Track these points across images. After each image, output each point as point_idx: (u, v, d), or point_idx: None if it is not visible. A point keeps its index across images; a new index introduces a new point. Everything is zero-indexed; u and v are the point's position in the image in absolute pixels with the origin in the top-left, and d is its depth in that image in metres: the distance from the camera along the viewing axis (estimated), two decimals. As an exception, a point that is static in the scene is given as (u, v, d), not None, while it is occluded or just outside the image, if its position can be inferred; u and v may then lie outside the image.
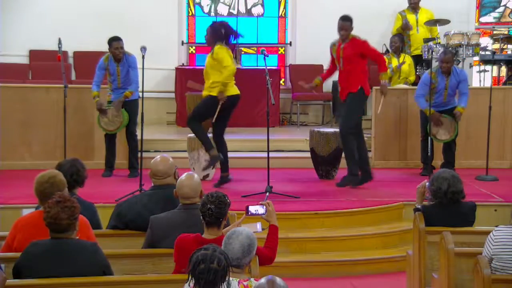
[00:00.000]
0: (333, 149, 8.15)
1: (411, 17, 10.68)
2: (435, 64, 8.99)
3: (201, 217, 4.06)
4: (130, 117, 8.33)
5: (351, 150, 7.67)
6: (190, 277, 3.22)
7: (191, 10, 11.99)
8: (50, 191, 4.30)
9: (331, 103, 11.35)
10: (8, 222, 5.35)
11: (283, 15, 12.06)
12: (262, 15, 12.11)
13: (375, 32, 11.51)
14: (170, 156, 5.12)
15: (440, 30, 10.50)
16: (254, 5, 12.12)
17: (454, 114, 8.25)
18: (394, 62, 9.97)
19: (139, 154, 7.99)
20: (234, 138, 8.19)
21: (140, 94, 8.16)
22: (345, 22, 7.78)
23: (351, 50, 7.73)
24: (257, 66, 11.76)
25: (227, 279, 3.24)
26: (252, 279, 3.53)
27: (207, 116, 7.65)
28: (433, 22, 10.48)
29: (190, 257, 3.26)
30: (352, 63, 7.72)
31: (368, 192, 7.64)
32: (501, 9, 12.30)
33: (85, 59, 11.11)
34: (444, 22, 10.52)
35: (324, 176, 8.29)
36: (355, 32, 11.51)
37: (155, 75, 11.06)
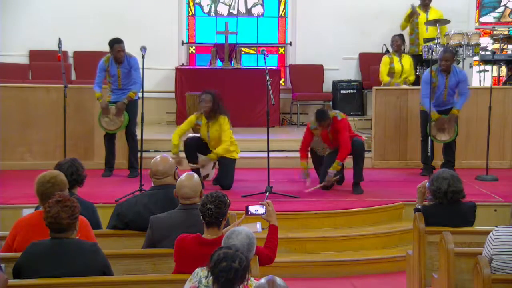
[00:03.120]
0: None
1: (421, 16, 10.65)
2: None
3: (201, 217, 4.06)
4: (130, 117, 8.33)
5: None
6: (209, 274, 3.22)
7: (191, 10, 11.99)
8: (51, 191, 4.30)
9: (331, 103, 11.35)
10: (8, 222, 5.36)
11: (283, 15, 12.06)
12: (262, 15, 12.11)
13: (375, 32, 11.54)
14: (170, 156, 5.12)
15: (439, 30, 10.49)
16: (254, 5, 12.12)
17: (449, 119, 8.23)
18: (396, 61, 9.95)
19: (139, 154, 7.99)
20: (234, 138, 8.18)
21: (140, 94, 8.15)
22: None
23: (336, 131, 7.61)
24: (257, 66, 11.77)
25: (245, 281, 3.24)
26: (252, 279, 3.53)
27: None
28: (433, 22, 10.48)
29: (211, 255, 3.25)
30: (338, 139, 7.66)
31: (368, 192, 7.64)
32: (501, 9, 12.30)
33: (85, 59, 11.11)
34: (444, 22, 10.51)
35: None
36: (355, 32, 11.64)
37: (155, 75, 11.06)
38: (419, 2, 10.73)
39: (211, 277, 3.22)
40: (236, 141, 7.89)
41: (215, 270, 3.19)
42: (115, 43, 8.23)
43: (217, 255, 3.22)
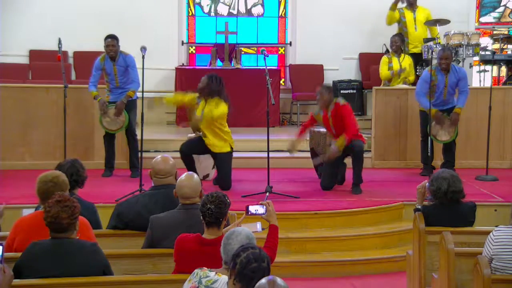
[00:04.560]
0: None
1: (408, 15, 10.69)
2: (434, 62, 8.99)
3: (201, 217, 4.06)
4: (130, 117, 8.33)
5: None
6: (235, 276, 3.18)
7: (191, 10, 11.99)
8: (53, 190, 4.30)
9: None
10: (8, 222, 5.34)
11: (283, 15, 12.06)
12: (262, 15, 12.11)
13: (375, 32, 11.54)
14: (171, 156, 5.12)
15: (440, 30, 10.50)
16: (254, 5, 12.12)
17: (451, 117, 8.25)
18: (395, 61, 9.97)
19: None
20: (234, 138, 8.19)
21: (140, 94, 8.14)
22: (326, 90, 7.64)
23: (338, 118, 7.58)
24: (257, 66, 11.76)
25: None
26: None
27: None
28: (433, 22, 10.49)
29: (235, 255, 3.21)
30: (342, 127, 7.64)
31: (368, 192, 7.64)
32: (501, 9, 12.30)
33: (85, 59, 11.08)
34: (444, 22, 10.52)
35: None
36: (355, 32, 11.65)
37: (155, 75, 11.06)
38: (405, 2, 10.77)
39: (234, 279, 3.18)
40: (230, 133, 7.84)
41: (244, 271, 3.15)
42: (107, 38, 8.30)
43: (245, 256, 3.18)
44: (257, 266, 3.16)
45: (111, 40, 8.27)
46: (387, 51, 10.76)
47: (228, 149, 7.74)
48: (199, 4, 12.05)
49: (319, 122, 7.79)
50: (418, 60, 10.45)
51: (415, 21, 10.64)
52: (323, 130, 8.04)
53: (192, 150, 7.75)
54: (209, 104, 7.64)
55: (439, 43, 10.16)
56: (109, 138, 8.46)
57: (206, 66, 11.48)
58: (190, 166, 7.63)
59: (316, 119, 7.78)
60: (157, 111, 11.13)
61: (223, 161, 7.70)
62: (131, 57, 8.29)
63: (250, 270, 3.15)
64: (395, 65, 9.95)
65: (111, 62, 8.30)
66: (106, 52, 8.29)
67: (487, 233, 4.45)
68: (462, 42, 10.05)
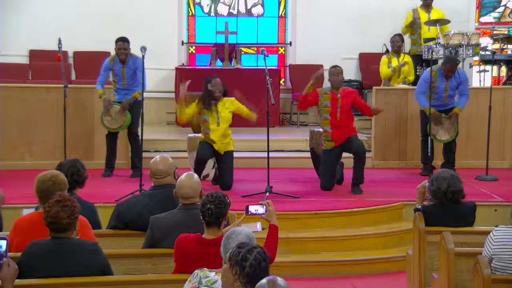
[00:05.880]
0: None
1: (423, 16, 10.67)
2: (436, 62, 9.01)
3: (201, 217, 4.06)
4: (133, 118, 8.32)
5: None
6: (246, 278, 3.13)
7: (191, 10, 12.00)
8: (52, 189, 4.29)
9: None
10: (8, 222, 5.34)
11: (283, 15, 12.06)
12: (262, 15, 12.11)
13: (375, 32, 11.54)
14: (169, 156, 5.12)
15: (439, 30, 10.49)
16: (254, 5, 12.12)
17: (450, 116, 8.25)
18: (394, 61, 9.98)
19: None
20: (234, 138, 8.19)
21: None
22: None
23: (348, 100, 7.66)
24: (257, 66, 11.77)
25: None
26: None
27: None
28: (433, 22, 10.48)
29: (242, 259, 3.16)
30: (349, 115, 7.70)
31: (368, 192, 7.64)
32: (501, 9, 12.30)
33: (85, 59, 11.11)
34: (444, 22, 10.52)
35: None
36: (355, 32, 11.65)
37: (155, 75, 11.06)
38: (420, 3, 10.75)
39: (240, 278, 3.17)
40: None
41: (256, 272, 3.13)
42: (119, 40, 8.29)
43: (254, 258, 3.15)
44: (265, 264, 3.16)
45: (123, 43, 8.24)
46: (387, 51, 10.76)
47: (232, 148, 7.79)
48: (199, 4, 12.06)
49: (324, 101, 7.68)
50: (424, 61, 10.44)
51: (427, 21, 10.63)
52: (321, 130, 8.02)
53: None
54: (221, 106, 7.71)
55: (440, 43, 10.15)
56: (111, 138, 8.46)
57: (206, 66, 11.48)
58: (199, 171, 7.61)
59: (321, 98, 7.68)
60: (157, 111, 11.14)
61: (228, 161, 7.70)
62: (141, 60, 8.24)
63: (262, 270, 3.15)
64: (395, 65, 9.96)
65: (120, 64, 8.30)
66: (116, 54, 8.27)
67: (487, 233, 4.44)
68: (462, 42, 10.04)
